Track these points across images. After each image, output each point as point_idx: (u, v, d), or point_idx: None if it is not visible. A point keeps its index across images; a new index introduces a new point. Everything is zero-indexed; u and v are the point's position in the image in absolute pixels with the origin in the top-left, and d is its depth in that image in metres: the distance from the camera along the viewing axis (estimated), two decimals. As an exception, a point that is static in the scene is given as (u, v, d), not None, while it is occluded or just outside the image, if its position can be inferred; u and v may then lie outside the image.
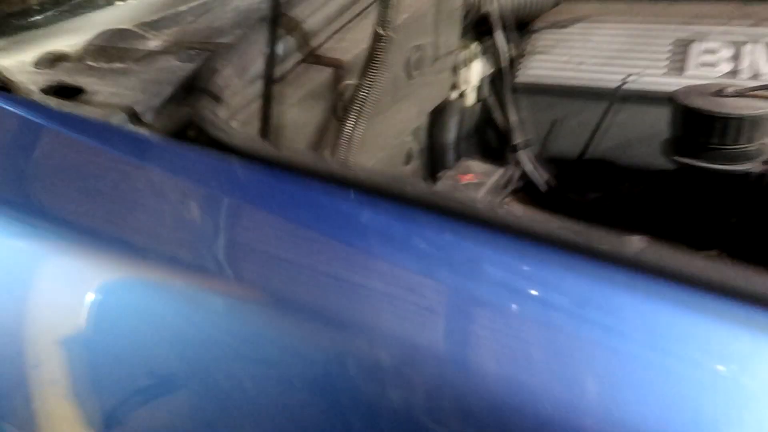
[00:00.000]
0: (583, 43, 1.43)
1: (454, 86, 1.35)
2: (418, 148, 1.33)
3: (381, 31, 0.89)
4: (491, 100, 1.38)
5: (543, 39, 1.46)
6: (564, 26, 1.46)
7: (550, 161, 1.36)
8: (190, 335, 0.56)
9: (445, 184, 1.08)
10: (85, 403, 0.63)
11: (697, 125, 1.06)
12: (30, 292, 0.65)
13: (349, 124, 0.92)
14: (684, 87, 1.10)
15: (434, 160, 1.36)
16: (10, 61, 0.85)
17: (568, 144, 1.35)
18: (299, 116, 0.89)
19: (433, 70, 1.25)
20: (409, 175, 1.31)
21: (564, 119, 1.37)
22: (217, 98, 0.67)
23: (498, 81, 1.39)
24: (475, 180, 1.11)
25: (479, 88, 1.40)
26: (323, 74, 0.92)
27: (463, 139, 1.39)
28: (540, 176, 1.33)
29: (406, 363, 0.47)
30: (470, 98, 1.38)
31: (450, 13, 1.27)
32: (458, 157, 1.38)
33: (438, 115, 1.35)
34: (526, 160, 1.33)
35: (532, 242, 0.48)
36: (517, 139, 1.33)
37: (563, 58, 1.43)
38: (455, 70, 1.33)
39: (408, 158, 1.29)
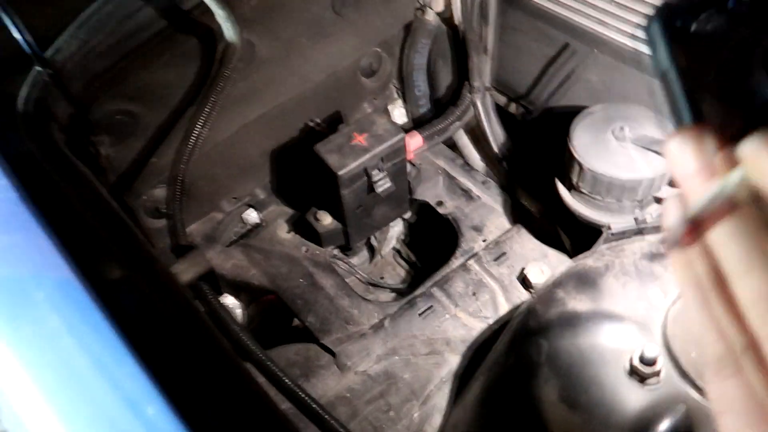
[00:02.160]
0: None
1: (422, 5, 1.19)
2: (386, 64, 1.26)
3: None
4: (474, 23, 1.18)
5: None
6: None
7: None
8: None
9: (336, 138, 1.01)
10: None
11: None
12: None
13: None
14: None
15: (403, 82, 1.29)
16: None
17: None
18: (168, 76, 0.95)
19: None
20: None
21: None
22: None
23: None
24: (365, 143, 1.03)
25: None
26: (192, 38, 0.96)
27: (440, 61, 1.26)
28: (491, 129, 1.18)
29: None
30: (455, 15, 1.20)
31: None
32: (431, 80, 1.27)
33: (408, 34, 1.23)
34: (480, 107, 1.18)
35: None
36: (476, 78, 1.16)
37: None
38: (427, -15, 1.17)
39: (367, 72, 1.26)
